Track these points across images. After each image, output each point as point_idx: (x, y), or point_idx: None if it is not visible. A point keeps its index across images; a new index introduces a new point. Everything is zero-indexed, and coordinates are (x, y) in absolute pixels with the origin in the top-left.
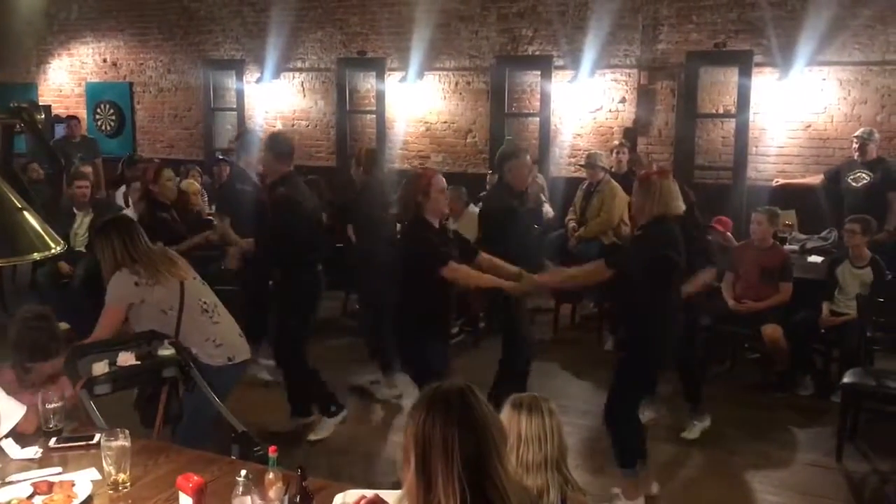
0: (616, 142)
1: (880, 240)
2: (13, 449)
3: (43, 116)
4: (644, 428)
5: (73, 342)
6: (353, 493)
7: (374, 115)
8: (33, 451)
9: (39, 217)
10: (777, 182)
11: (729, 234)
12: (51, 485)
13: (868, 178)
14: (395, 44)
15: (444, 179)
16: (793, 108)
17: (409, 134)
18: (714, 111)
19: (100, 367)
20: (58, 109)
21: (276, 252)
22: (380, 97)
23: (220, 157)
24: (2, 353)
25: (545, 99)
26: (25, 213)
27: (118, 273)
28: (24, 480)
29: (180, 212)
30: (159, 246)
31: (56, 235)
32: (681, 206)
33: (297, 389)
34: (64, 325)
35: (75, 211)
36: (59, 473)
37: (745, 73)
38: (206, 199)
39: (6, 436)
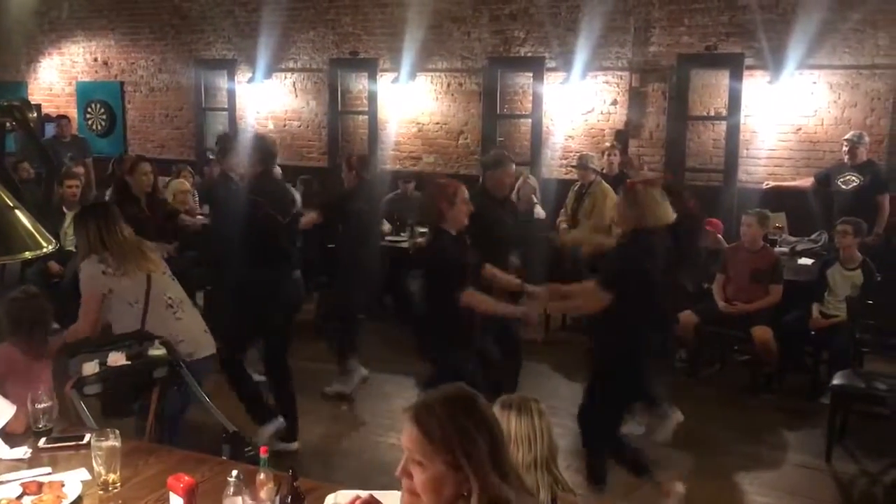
0: (607, 144)
1: (869, 242)
2: (2, 449)
3: (36, 115)
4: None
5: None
6: (345, 494)
7: (367, 116)
8: (23, 451)
9: (31, 216)
10: (767, 184)
11: (720, 235)
12: (40, 485)
13: (857, 181)
14: (387, 44)
15: (467, 190)
16: (783, 111)
17: (400, 135)
18: (705, 114)
19: (90, 367)
20: (48, 109)
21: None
22: (372, 98)
23: (211, 157)
24: None
25: (537, 100)
26: (17, 211)
27: (87, 259)
28: (14, 481)
29: (153, 206)
30: (135, 238)
31: (48, 234)
32: (669, 216)
33: (243, 398)
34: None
35: (65, 210)
36: (49, 474)
37: (736, 75)
38: (198, 198)
39: None
